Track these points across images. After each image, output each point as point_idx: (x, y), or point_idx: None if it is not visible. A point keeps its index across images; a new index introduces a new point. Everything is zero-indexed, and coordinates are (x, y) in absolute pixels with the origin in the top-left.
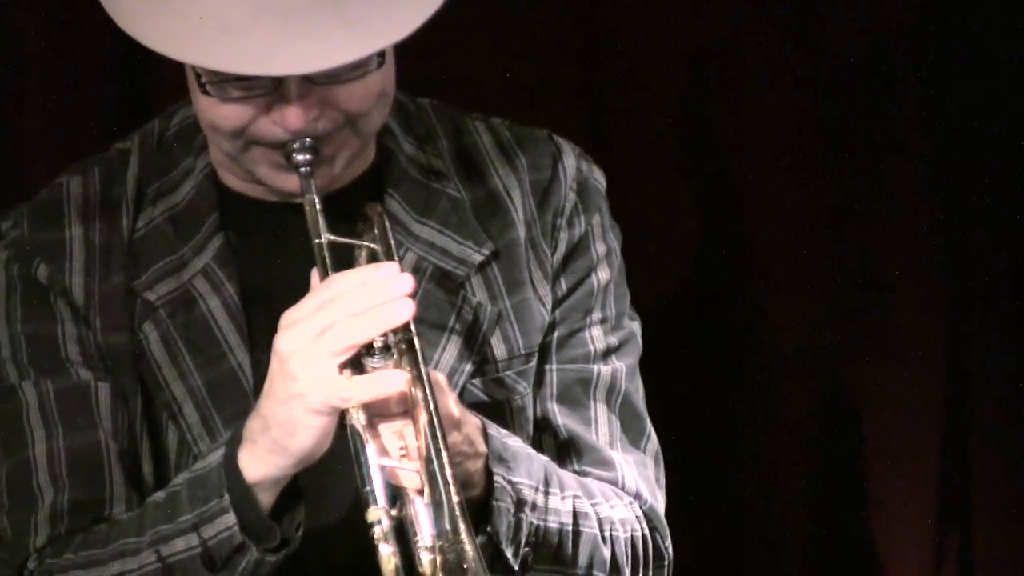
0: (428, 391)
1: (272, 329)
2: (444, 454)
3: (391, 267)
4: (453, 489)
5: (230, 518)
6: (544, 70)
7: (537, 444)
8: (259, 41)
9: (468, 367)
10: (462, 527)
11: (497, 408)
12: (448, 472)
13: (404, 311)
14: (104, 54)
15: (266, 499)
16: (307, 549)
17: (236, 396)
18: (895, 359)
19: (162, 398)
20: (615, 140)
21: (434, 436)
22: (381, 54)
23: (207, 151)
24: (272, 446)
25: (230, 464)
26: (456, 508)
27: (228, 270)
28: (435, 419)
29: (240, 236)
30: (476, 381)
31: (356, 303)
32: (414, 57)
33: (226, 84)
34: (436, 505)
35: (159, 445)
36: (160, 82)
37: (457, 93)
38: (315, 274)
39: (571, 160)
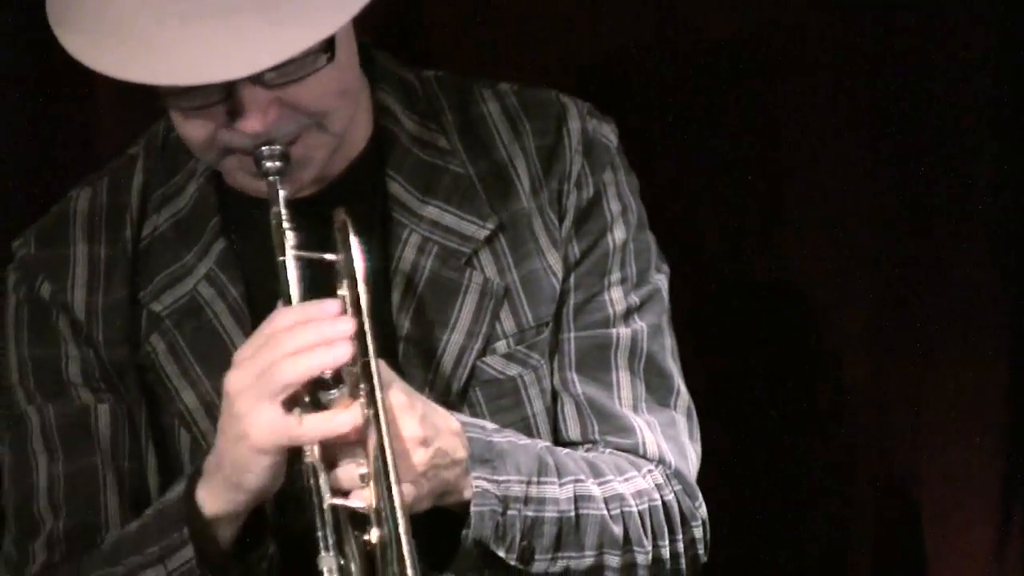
0: (377, 425)
1: None
2: (395, 495)
3: (332, 304)
4: (403, 530)
5: (189, 551)
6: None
7: (556, 415)
8: (197, 50)
9: (478, 344)
10: (409, 569)
11: (510, 383)
12: (399, 515)
13: (341, 352)
14: None
15: (227, 532)
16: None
17: None
18: (957, 337)
19: (173, 408)
20: (660, 124)
21: (386, 473)
22: (330, 48)
23: None
24: (226, 483)
25: (188, 498)
26: (404, 546)
27: (231, 273)
28: (385, 454)
29: (243, 237)
30: (487, 358)
31: (292, 343)
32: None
33: (180, 98)
34: (383, 548)
35: (170, 454)
36: None
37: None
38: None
39: (576, 122)
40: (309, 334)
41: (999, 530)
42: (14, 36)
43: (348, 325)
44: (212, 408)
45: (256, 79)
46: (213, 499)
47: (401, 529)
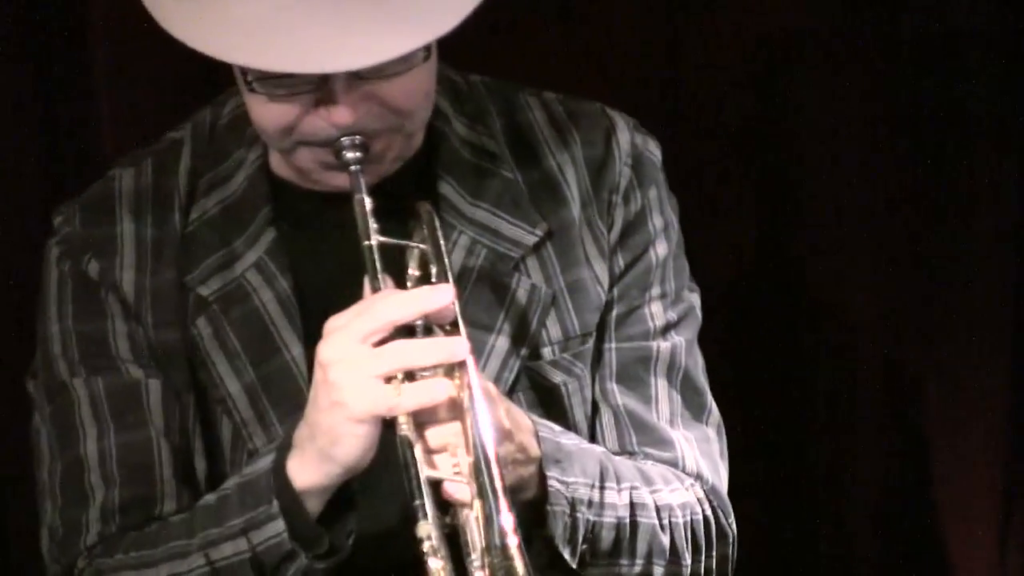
0: (476, 407)
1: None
2: (494, 470)
3: (447, 291)
4: (504, 504)
5: (279, 525)
6: (620, 57)
7: (595, 424)
8: (305, 38)
9: (523, 351)
10: (512, 542)
11: (553, 391)
12: (498, 487)
13: (461, 350)
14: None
15: (315, 506)
16: (359, 554)
17: (291, 391)
18: (959, 338)
19: (216, 394)
20: (686, 128)
21: (483, 451)
22: (427, 47)
23: (260, 140)
24: (318, 454)
25: (279, 471)
26: (506, 522)
27: (281, 263)
28: (483, 435)
29: (293, 228)
30: (532, 364)
31: (397, 312)
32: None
33: (271, 82)
34: (486, 519)
35: (213, 440)
36: None
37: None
38: (367, 279)
39: (625, 135)
40: (413, 304)
41: (999, 530)
42: (15, 37)
43: (449, 294)
44: (255, 396)
45: (354, 71)
46: (306, 471)
47: (503, 505)
